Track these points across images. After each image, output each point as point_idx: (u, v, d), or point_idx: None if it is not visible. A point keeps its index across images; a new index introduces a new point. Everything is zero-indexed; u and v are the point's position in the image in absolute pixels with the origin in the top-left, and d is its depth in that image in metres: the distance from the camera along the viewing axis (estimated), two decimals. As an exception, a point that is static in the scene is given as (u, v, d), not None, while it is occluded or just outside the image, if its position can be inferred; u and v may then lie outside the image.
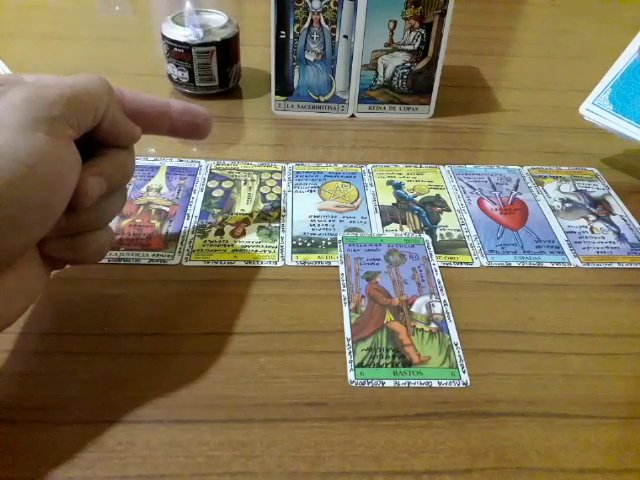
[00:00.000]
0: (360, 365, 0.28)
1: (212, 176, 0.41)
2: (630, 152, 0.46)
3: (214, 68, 0.49)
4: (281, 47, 0.46)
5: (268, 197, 0.39)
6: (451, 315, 0.31)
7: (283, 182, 0.41)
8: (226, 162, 0.43)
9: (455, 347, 0.30)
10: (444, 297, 0.32)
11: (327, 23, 0.45)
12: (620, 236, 0.38)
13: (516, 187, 0.42)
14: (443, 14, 0.44)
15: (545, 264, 0.35)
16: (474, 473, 0.24)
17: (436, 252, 0.36)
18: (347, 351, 0.29)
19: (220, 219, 0.37)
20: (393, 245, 0.36)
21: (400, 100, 0.49)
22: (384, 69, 0.47)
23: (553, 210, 0.40)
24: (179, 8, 0.49)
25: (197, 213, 0.38)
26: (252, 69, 0.55)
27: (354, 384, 0.28)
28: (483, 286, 0.34)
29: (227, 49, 0.49)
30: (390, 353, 0.29)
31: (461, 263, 0.35)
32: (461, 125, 0.49)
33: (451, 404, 0.27)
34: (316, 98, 0.49)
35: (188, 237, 0.36)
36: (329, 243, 0.36)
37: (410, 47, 0.46)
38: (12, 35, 0.61)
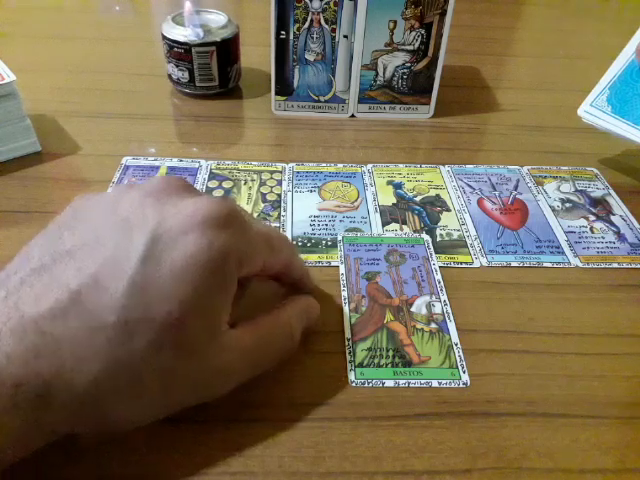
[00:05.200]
0: (360, 365, 0.28)
1: (212, 176, 0.41)
2: (630, 152, 0.46)
3: (214, 68, 0.49)
4: (281, 47, 0.46)
5: (268, 197, 0.39)
6: (451, 315, 0.31)
7: (283, 182, 0.41)
8: (226, 162, 0.43)
9: (455, 347, 0.30)
10: (444, 297, 0.32)
11: (327, 23, 0.45)
12: (620, 236, 0.38)
13: (516, 187, 0.42)
14: (443, 14, 0.44)
15: (545, 264, 0.35)
16: (474, 473, 0.24)
17: (436, 252, 0.36)
18: (347, 351, 0.29)
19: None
20: (393, 245, 0.36)
21: (400, 100, 0.49)
22: (384, 69, 0.47)
23: (553, 210, 0.40)
24: (179, 8, 0.49)
25: (197, 213, 0.37)
26: (252, 69, 0.55)
27: (354, 384, 0.28)
28: (483, 286, 0.34)
29: (227, 49, 0.49)
30: (390, 353, 0.29)
31: (461, 263, 0.35)
32: (461, 125, 0.49)
33: (451, 404, 0.27)
34: (316, 98, 0.49)
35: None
36: (329, 243, 0.36)
37: (410, 47, 0.46)
38: (12, 35, 0.61)
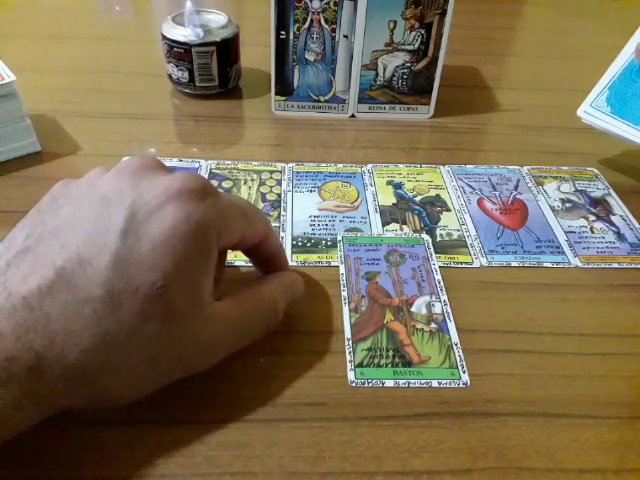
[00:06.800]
0: (360, 365, 0.28)
1: (212, 176, 0.41)
2: (630, 152, 0.46)
3: (214, 68, 0.49)
4: (281, 47, 0.46)
5: (268, 197, 0.39)
6: (451, 315, 0.31)
7: (283, 182, 0.41)
8: (226, 162, 0.43)
9: (455, 347, 0.30)
10: (444, 297, 0.32)
11: (327, 23, 0.45)
12: (620, 236, 0.38)
13: (516, 187, 0.42)
14: (443, 14, 0.44)
15: (545, 264, 0.35)
16: (474, 473, 0.24)
17: (436, 252, 0.36)
18: (347, 351, 0.29)
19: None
20: (393, 245, 0.36)
21: (400, 100, 0.49)
22: (384, 69, 0.47)
23: (553, 210, 0.40)
24: (179, 8, 0.49)
25: (197, 213, 0.37)
26: (252, 69, 0.55)
27: (354, 384, 0.28)
28: (483, 286, 0.34)
29: (227, 49, 0.49)
30: (390, 353, 0.29)
31: (461, 263, 0.35)
32: (461, 125, 0.49)
33: (451, 404, 0.27)
34: (316, 98, 0.49)
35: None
36: (329, 243, 0.36)
37: (410, 47, 0.46)
38: (12, 35, 0.61)
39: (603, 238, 0.38)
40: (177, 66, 0.49)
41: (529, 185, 0.42)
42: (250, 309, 0.26)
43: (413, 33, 0.45)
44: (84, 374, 0.21)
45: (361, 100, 0.49)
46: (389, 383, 0.28)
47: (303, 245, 0.36)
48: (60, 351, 0.20)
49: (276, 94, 0.48)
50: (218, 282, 0.25)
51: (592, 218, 0.39)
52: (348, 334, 0.30)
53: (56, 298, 0.20)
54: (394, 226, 0.38)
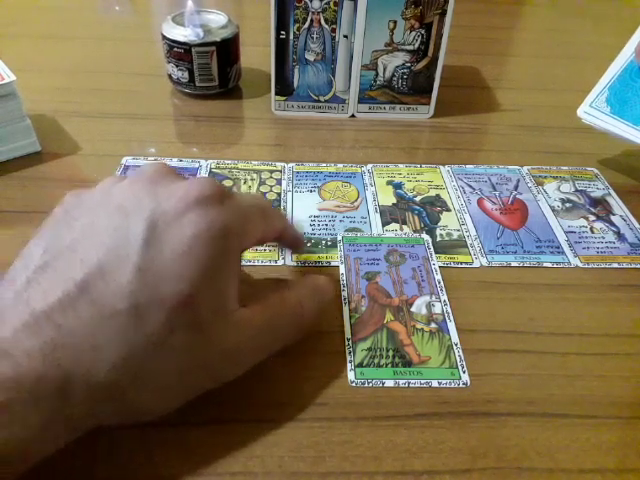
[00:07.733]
0: (360, 365, 0.28)
1: (212, 175, 0.41)
2: (630, 152, 0.46)
3: (214, 68, 0.49)
4: (281, 47, 0.46)
5: (268, 196, 0.39)
6: (451, 315, 0.31)
7: (283, 181, 0.41)
8: (226, 161, 0.43)
9: (455, 347, 0.30)
10: (444, 297, 0.32)
11: (327, 23, 0.45)
12: (620, 236, 0.38)
13: (516, 187, 0.42)
14: (443, 14, 0.44)
15: (545, 264, 0.35)
16: (474, 473, 0.24)
17: (436, 252, 0.36)
18: (347, 351, 0.29)
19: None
20: (393, 245, 0.36)
21: (400, 100, 0.49)
22: (384, 69, 0.47)
23: (553, 210, 0.40)
24: (179, 8, 0.49)
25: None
26: (252, 69, 0.55)
27: (354, 384, 0.28)
28: (483, 286, 0.34)
29: (227, 49, 0.49)
30: (390, 353, 0.29)
31: (461, 263, 0.35)
32: (461, 125, 0.49)
33: (451, 404, 0.27)
34: (316, 98, 0.49)
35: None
36: (329, 243, 0.36)
37: (410, 47, 0.46)
38: (12, 35, 0.61)
39: (603, 238, 0.38)
40: (177, 66, 0.49)
41: (529, 185, 0.42)
42: (275, 315, 0.25)
43: (413, 33, 0.45)
44: (114, 389, 0.20)
45: (361, 100, 0.49)
46: (389, 383, 0.28)
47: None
48: (88, 369, 0.20)
49: (276, 94, 0.48)
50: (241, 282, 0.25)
51: (592, 218, 0.39)
52: (348, 334, 0.30)
53: (79, 313, 0.20)
54: (394, 226, 0.38)
